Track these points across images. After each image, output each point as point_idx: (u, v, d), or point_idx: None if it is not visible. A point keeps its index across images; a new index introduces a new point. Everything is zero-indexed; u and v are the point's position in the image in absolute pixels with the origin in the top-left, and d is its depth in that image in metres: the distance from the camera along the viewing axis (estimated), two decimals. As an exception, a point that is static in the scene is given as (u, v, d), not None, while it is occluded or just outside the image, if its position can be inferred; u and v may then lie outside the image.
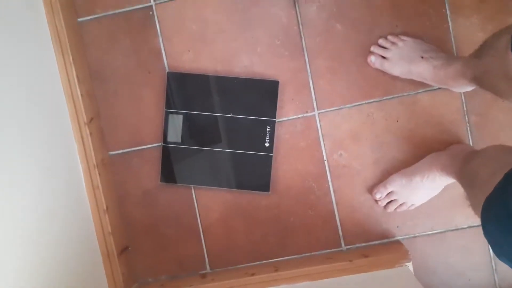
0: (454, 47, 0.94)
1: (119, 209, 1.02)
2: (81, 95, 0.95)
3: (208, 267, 1.02)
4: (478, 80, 0.78)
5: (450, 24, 0.94)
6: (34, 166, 0.80)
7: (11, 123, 0.76)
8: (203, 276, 1.01)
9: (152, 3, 0.99)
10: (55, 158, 0.88)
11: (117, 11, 0.99)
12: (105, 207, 0.97)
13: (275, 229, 1.00)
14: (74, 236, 0.89)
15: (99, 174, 0.96)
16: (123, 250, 1.01)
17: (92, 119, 0.98)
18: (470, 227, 0.97)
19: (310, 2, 0.96)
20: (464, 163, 0.79)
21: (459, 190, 0.78)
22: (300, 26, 0.97)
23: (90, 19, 1.00)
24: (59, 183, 0.87)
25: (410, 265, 0.90)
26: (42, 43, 0.91)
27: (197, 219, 1.01)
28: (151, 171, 1.01)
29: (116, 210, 1.01)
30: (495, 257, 0.95)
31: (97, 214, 0.96)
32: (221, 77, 0.98)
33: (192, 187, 1.01)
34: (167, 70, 0.99)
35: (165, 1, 0.98)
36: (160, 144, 1.00)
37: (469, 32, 0.93)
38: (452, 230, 0.97)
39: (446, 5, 0.93)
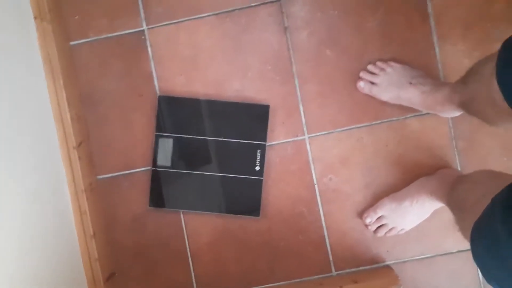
0: (441, 73, 0.96)
1: (106, 234, 1.00)
2: (71, 118, 0.95)
3: (197, 293, 1.00)
4: (465, 105, 0.79)
5: (437, 50, 0.96)
6: (20, 190, 0.79)
7: (-1, 145, 0.75)
8: (192, 302, 0.99)
9: (145, 27, 1.00)
10: (42, 182, 0.86)
11: (109, 35, 1.00)
12: (92, 233, 0.95)
13: (265, 255, 0.99)
14: (59, 262, 0.87)
15: (87, 199, 0.95)
16: (109, 277, 0.98)
17: (81, 143, 0.97)
18: (459, 251, 0.97)
19: (301, 28, 0.97)
20: (452, 188, 0.80)
21: (448, 214, 0.78)
22: (291, 52, 0.98)
23: (83, 43, 1.01)
24: (45, 208, 0.86)
25: (401, 291, 0.89)
26: (33, 66, 0.91)
27: (185, 244, 1.00)
28: (140, 195, 1.00)
29: (103, 236, 0.99)
30: (485, 281, 0.95)
31: (83, 240, 0.94)
32: (212, 101, 0.98)
33: (181, 212, 1.00)
34: (158, 94, 0.99)
35: (157, 26, 0.99)
36: (149, 168, 0.99)
37: (456, 58, 0.95)
38: (442, 255, 0.97)
39: (433, 32, 0.96)
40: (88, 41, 1.00)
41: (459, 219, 0.70)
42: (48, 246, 0.85)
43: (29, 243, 0.79)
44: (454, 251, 0.97)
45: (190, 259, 1.00)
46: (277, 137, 0.99)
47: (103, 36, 1.00)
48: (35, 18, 0.92)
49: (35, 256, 0.80)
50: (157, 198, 1.00)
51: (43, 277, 0.81)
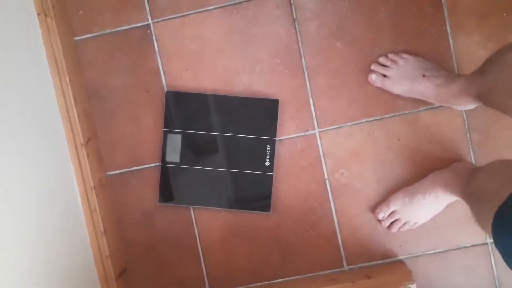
0: (455, 65, 0.93)
1: (117, 231, 1.00)
2: (78, 115, 0.94)
3: (208, 289, 1.00)
4: (483, 97, 0.77)
5: (451, 42, 0.93)
6: (29, 190, 0.79)
7: (5, 145, 0.74)
8: (204, 298, 0.99)
9: (150, 21, 0.98)
10: (51, 181, 0.86)
11: (114, 29, 0.98)
12: (102, 230, 0.95)
13: (276, 250, 0.99)
14: (71, 260, 0.87)
15: (96, 196, 0.95)
16: (121, 273, 0.99)
17: (89, 139, 0.96)
18: (473, 245, 0.96)
19: (310, 20, 0.95)
20: (468, 179, 0.79)
21: (462, 208, 0.77)
22: (300, 44, 0.96)
23: (87, 38, 0.99)
24: (55, 206, 0.86)
25: (413, 287, 0.88)
26: (38, 63, 0.89)
27: (196, 240, 1.00)
28: (149, 191, 1.00)
29: (114, 232, 0.99)
30: (499, 276, 0.95)
31: (94, 237, 0.94)
32: (220, 96, 0.97)
33: (191, 208, 0.99)
34: (165, 89, 0.98)
35: (163, 20, 0.97)
36: (158, 164, 0.99)
37: (470, 50, 0.92)
38: (455, 249, 0.96)
39: (447, 23, 0.93)
40: (93, 36, 0.99)
41: (477, 210, 0.69)
42: (60, 244, 0.85)
43: (40, 242, 0.79)
44: (468, 245, 0.96)
45: (201, 254, 1.00)
46: (287, 132, 0.97)
47: (108, 31, 0.98)
48: (38, 14, 0.90)
49: (47, 254, 0.80)
50: (167, 194, 0.99)
51: (55, 275, 0.81)
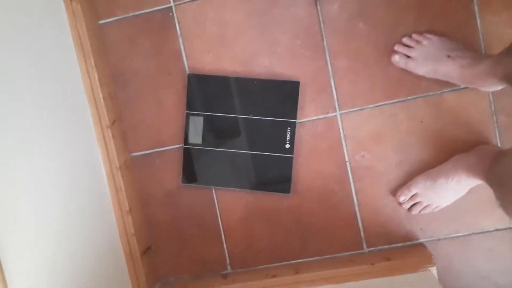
0: (482, 45, 0.90)
1: (141, 211, 1.03)
2: (103, 98, 0.96)
3: (229, 268, 1.03)
4: (510, 78, 0.75)
5: (478, 21, 0.90)
6: (58, 169, 0.82)
7: (34, 126, 0.77)
8: (224, 276, 1.02)
9: (172, 4, 0.98)
10: (78, 161, 0.89)
11: (137, 12, 1.00)
12: (128, 209, 0.98)
13: (296, 231, 1.00)
14: (97, 238, 0.90)
15: (122, 176, 0.98)
16: (145, 251, 1.02)
17: (114, 121, 0.99)
18: (496, 230, 0.94)
19: (332, 0, 0.94)
20: (492, 163, 0.77)
21: (486, 192, 0.76)
22: (321, 25, 0.95)
23: (111, 21, 1.01)
24: (82, 186, 0.89)
25: (434, 270, 0.88)
26: (64, 46, 0.92)
27: (218, 220, 1.02)
28: (172, 172, 1.02)
29: (138, 212, 1.02)
30: (523, 261, 0.93)
31: (120, 216, 0.97)
32: (241, 78, 0.97)
33: (213, 188, 1.01)
34: (187, 72, 0.99)
35: (184, 2, 0.98)
36: (181, 145, 1.01)
37: (498, 29, 0.89)
38: (478, 233, 0.95)
39: (474, 1, 0.90)
40: (116, 20, 1.00)
41: (502, 194, 0.68)
42: (86, 222, 0.88)
43: (67, 220, 0.82)
44: (491, 229, 0.94)
45: (222, 234, 1.02)
46: (308, 114, 0.97)
47: (131, 14, 1.00)
48: (64, -2, 0.92)
49: (75, 233, 0.83)
50: (190, 175, 1.01)
51: (83, 253, 0.84)
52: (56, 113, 0.84)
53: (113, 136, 0.97)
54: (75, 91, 0.93)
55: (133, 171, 1.03)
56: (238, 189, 1.00)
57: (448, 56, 0.86)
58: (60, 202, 0.81)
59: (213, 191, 1.01)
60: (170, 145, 1.02)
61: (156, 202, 1.04)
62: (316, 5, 0.94)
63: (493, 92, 0.91)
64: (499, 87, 0.85)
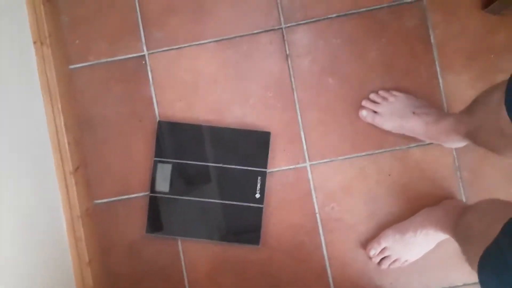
0: (444, 103, 0.95)
1: (102, 262, 0.98)
2: (68, 143, 0.93)
3: (193, 325, 0.97)
4: (471, 135, 0.78)
5: (440, 80, 0.95)
6: (14, 215, 0.77)
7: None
8: (188, 335, 0.96)
9: (145, 52, 0.99)
10: (37, 208, 0.85)
11: (110, 59, 0.99)
12: (87, 260, 0.93)
13: (265, 285, 0.96)
14: (53, 292, 0.84)
15: (83, 225, 0.93)
16: (104, 306, 0.96)
17: (78, 167, 0.95)
18: (465, 284, 0.94)
19: (302, 56, 0.97)
20: (458, 218, 0.78)
21: (453, 246, 0.76)
22: (292, 79, 0.97)
23: (83, 67, 1.00)
24: (39, 234, 0.84)
25: (405, 327, 0.86)
26: (31, 90, 0.90)
27: (183, 273, 0.97)
28: (137, 221, 0.98)
29: (99, 263, 0.97)
30: (491, 317, 0.93)
31: (78, 268, 0.92)
32: (212, 127, 0.97)
33: (179, 239, 0.98)
34: (158, 119, 0.98)
35: (158, 51, 0.98)
36: (147, 193, 0.98)
37: (459, 89, 0.94)
38: (447, 288, 0.95)
39: (436, 63, 0.95)
40: (88, 65, 1.00)
41: (466, 250, 0.68)
42: (42, 273, 0.83)
43: (22, 270, 0.77)
44: (460, 284, 0.94)
45: (187, 288, 0.97)
46: (278, 164, 0.97)
47: (103, 60, 0.99)
48: (34, 42, 0.91)
49: (29, 283, 0.78)
50: (155, 225, 0.97)
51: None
52: (17, 156, 0.81)
53: (76, 183, 0.94)
54: (39, 135, 0.90)
55: (95, 219, 0.98)
56: (205, 239, 0.97)
57: (414, 113, 0.89)
58: (15, 249, 0.76)
59: (179, 242, 0.98)
60: (135, 193, 0.99)
61: (118, 253, 0.98)
62: (287, 60, 0.97)
63: (457, 149, 0.94)
64: (462, 143, 0.88)
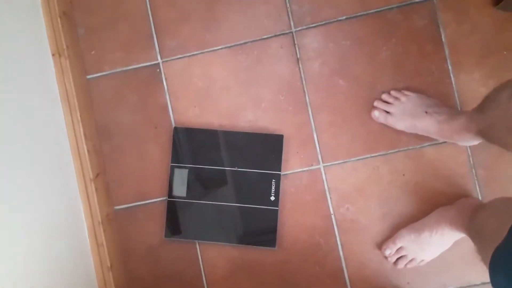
0: (457, 102, 0.94)
1: (123, 266, 1.00)
2: (88, 151, 0.96)
3: (213, 326, 0.99)
4: (483, 134, 0.78)
5: (452, 79, 0.95)
6: (38, 223, 0.80)
7: (17, 179, 0.76)
8: (208, 336, 0.98)
9: (159, 60, 1.01)
10: (60, 216, 0.87)
11: (125, 68, 1.02)
12: (109, 265, 0.95)
13: (282, 287, 0.97)
14: (76, 296, 0.87)
15: (104, 231, 0.96)
16: (126, 309, 0.98)
17: (98, 174, 0.98)
18: (483, 283, 0.94)
19: (313, 59, 0.98)
20: (472, 216, 0.78)
21: (470, 245, 0.76)
22: (304, 82, 0.98)
23: (99, 76, 1.03)
24: (62, 240, 0.86)
25: (422, 327, 0.86)
26: (51, 100, 0.93)
27: (201, 276, 0.99)
28: (155, 226, 1.00)
29: (120, 268, 0.99)
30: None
31: (101, 272, 0.94)
32: (226, 131, 0.99)
33: (197, 243, 1.00)
34: (173, 125, 1.00)
35: (171, 59, 1.01)
36: (165, 198, 1.00)
37: (472, 87, 0.94)
38: (465, 287, 0.94)
39: (448, 61, 0.95)
40: (104, 75, 1.03)
41: (480, 248, 0.68)
42: (66, 279, 0.85)
43: (46, 276, 0.79)
44: (478, 283, 0.94)
45: (206, 290, 0.99)
46: (292, 167, 0.98)
47: (119, 69, 1.02)
48: (53, 55, 0.94)
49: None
50: (173, 229, 1.00)
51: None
52: (39, 165, 0.84)
53: (96, 190, 0.96)
54: (60, 144, 0.93)
55: (115, 225, 1.01)
56: (222, 243, 0.99)
57: (426, 112, 0.89)
58: (39, 257, 0.78)
59: (197, 246, 1.00)
60: (153, 198, 1.01)
61: (138, 257, 1.01)
62: (298, 63, 0.98)
63: (471, 147, 0.94)
64: (475, 142, 0.88)
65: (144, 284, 1.00)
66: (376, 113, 0.94)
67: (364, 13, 0.97)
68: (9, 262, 0.70)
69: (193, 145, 0.99)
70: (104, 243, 0.95)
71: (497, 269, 0.57)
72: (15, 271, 0.71)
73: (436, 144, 0.94)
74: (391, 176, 0.96)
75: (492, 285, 0.57)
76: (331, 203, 0.97)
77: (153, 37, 1.01)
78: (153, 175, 1.01)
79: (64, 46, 0.95)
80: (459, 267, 0.94)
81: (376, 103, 0.95)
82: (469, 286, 0.94)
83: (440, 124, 0.87)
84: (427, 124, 0.89)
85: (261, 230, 0.97)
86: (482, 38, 0.94)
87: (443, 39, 0.95)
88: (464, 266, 0.94)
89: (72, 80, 0.95)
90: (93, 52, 1.03)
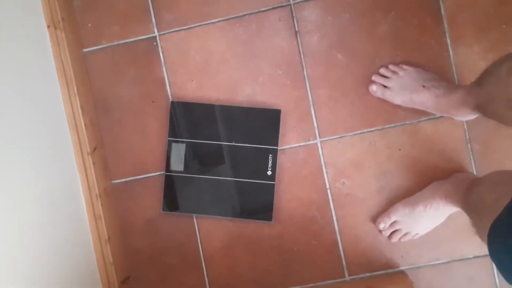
0: (455, 76, 0.94)
1: (121, 239, 1.02)
2: (85, 125, 0.96)
3: (210, 297, 1.01)
4: (481, 108, 0.78)
5: (451, 53, 0.94)
6: (36, 196, 0.80)
7: (14, 152, 0.76)
8: (205, 307, 1.00)
9: (156, 34, 1.00)
10: (57, 188, 0.88)
11: (122, 41, 1.01)
12: (106, 237, 0.96)
13: (278, 259, 0.99)
14: (75, 267, 0.88)
15: (102, 204, 0.96)
16: (124, 280, 1.00)
17: (95, 148, 0.98)
18: (476, 257, 0.95)
19: (311, 32, 0.97)
20: (468, 190, 0.79)
21: (464, 219, 0.77)
22: (302, 56, 0.98)
23: (96, 50, 1.02)
24: (60, 213, 0.87)
25: (415, 297, 0.88)
26: (47, 74, 0.92)
27: (199, 248, 1.01)
28: (153, 200, 1.01)
29: (118, 240, 1.01)
30: (502, 287, 0.94)
31: (98, 245, 0.95)
32: (224, 106, 0.99)
33: (194, 216, 1.01)
34: (170, 99, 1.00)
35: (168, 32, 1.00)
36: (163, 172, 1.00)
37: (470, 61, 0.93)
38: (458, 260, 0.96)
39: (447, 35, 0.94)
40: (101, 48, 1.02)
41: (476, 222, 0.69)
42: (64, 251, 0.86)
43: (45, 248, 0.80)
44: (471, 256, 0.95)
45: (203, 263, 1.01)
46: (289, 142, 0.98)
47: (116, 43, 1.01)
48: (48, 27, 0.93)
49: (51, 260, 0.82)
50: (170, 203, 1.00)
51: (59, 281, 0.82)
52: (36, 139, 0.84)
53: (94, 163, 0.97)
54: (57, 118, 0.93)
55: (113, 198, 1.02)
56: (219, 216, 1.00)
57: (424, 86, 0.89)
58: (37, 229, 0.79)
59: (194, 219, 1.01)
60: (151, 172, 1.01)
61: (136, 230, 1.02)
62: (296, 36, 0.98)
63: (467, 122, 0.94)
64: (472, 116, 0.88)
65: (142, 256, 1.02)
66: (374, 87, 0.94)
67: (364, -14, 0.95)
68: (8, 236, 0.70)
69: (190, 119, 0.99)
70: (102, 216, 0.96)
71: (496, 240, 0.57)
72: (14, 245, 0.72)
73: (432, 118, 0.95)
74: (387, 151, 0.96)
75: (491, 256, 0.58)
76: (328, 177, 0.98)
77: (150, 10, 1.00)
78: (151, 149, 1.01)
79: (60, 18, 0.94)
80: (453, 240, 0.95)
81: (374, 77, 0.95)
82: (462, 259, 0.95)
83: (438, 98, 0.87)
84: (424, 98, 0.89)
85: (257, 204, 0.98)
86: (481, 11, 0.93)
87: (442, 12, 0.94)
88: (458, 240, 0.95)
89: (68, 53, 0.95)
90: (89, 25, 1.02)
